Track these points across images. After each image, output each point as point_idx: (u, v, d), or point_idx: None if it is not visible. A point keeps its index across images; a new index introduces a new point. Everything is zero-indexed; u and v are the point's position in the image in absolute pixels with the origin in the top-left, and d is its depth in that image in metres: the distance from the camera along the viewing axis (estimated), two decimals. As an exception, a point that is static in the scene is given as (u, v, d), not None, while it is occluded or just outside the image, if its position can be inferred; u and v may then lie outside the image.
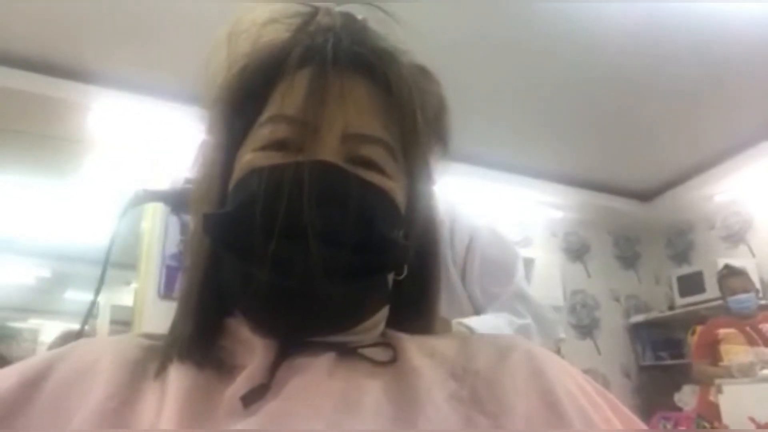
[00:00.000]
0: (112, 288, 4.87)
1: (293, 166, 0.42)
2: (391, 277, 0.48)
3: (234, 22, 0.50)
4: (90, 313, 0.60)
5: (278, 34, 0.49)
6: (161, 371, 0.43)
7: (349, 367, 0.43)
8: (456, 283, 1.20)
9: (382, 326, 0.49)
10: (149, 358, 0.44)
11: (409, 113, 0.49)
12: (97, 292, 0.62)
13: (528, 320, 1.18)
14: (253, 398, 0.39)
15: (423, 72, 1.09)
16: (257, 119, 0.47)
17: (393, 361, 0.44)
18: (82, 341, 0.48)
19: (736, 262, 3.53)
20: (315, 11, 0.50)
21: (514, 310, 1.19)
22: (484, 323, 1.09)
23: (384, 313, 0.49)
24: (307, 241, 0.39)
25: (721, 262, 3.66)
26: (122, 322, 4.76)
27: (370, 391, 0.40)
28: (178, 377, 0.41)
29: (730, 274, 3.29)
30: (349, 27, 0.49)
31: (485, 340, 0.47)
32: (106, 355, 0.44)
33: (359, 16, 0.51)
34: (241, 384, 0.40)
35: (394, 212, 0.46)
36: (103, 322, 4.99)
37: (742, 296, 3.15)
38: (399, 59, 0.50)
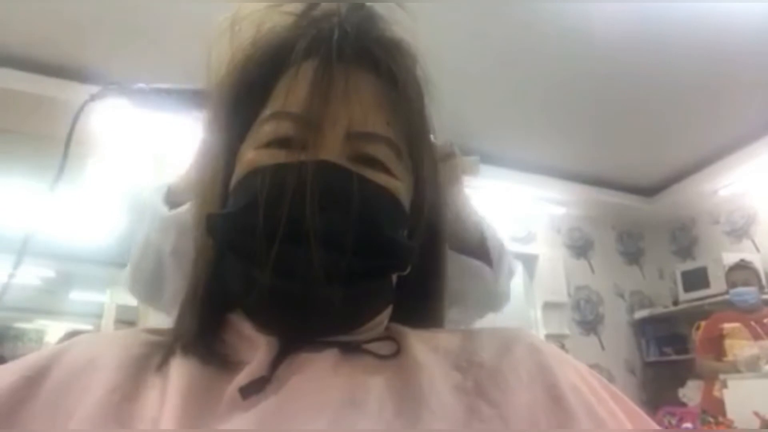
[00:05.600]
0: (117, 287, 4.89)
1: (296, 166, 0.41)
2: (395, 275, 0.48)
3: (235, 11, 0.49)
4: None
5: (280, 21, 0.48)
6: (163, 365, 0.43)
7: (353, 362, 0.43)
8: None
9: (385, 323, 0.49)
10: (152, 353, 0.44)
11: (415, 110, 0.48)
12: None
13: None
14: (251, 390, 0.39)
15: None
16: (259, 114, 0.47)
17: (396, 355, 0.44)
18: (83, 336, 0.47)
19: (739, 256, 3.52)
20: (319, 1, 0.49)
21: None
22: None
23: (388, 311, 0.49)
24: (310, 245, 0.39)
25: (726, 257, 3.65)
26: (127, 321, 4.77)
27: (374, 385, 0.40)
28: (180, 372, 0.41)
29: (736, 266, 3.30)
30: (355, 15, 0.48)
31: (489, 333, 0.46)
32: (108, 350, 0.44)
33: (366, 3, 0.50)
34: (243, 378, 0.40)
35: (399, 212, 0.46)
36: (108, 322, 5.00)
37: (741, 289, 3.15)
38: (407, 51, 0.49)
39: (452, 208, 0.88)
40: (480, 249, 0.91)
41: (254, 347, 0.43)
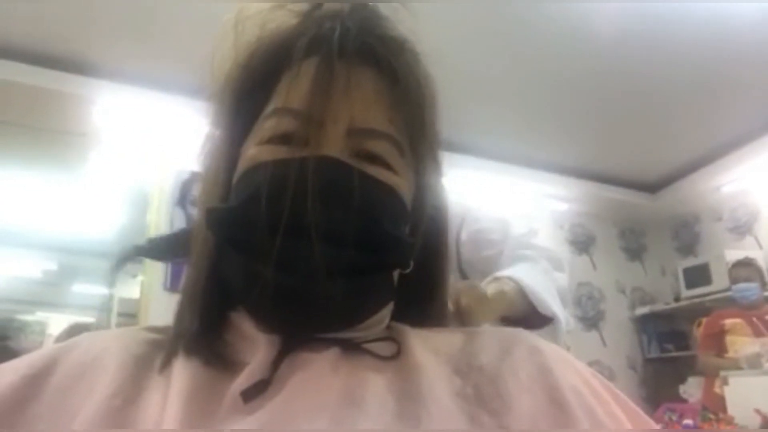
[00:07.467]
0: (118, 280, 4.89)
1: (297, 161, 0.41)
2: (396, 272, 0.47)
3: (239, 9, 0.49)
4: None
5: (285, 20, 0.48)
6: (166, 366, 0.43)
7: (353, 362, 0.43)
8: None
9: (387, 321, 0.49)
10: (154, 353, 0.44)
11: (416, 106, 0.48)
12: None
13: (561, 274, 1.08)
14: (253, 394, 0.39)
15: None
16: (263, 110, 0.47)
17: (397, 356, 0.44)
18: (86, 335, 0.47)
19: (744, 253, 3.52)
20: None
21: (525, 257, 1.07)
22: (524, 274, 0.98)
23: (389, 308, 0.49)
24: (311, 240, 0.38)
25: (729, 254, 3.65)
26: (129, 314, 4.79)
27: (374, 386, 0.40)
28: (182, 373, 0.41)
29: (739, 263, 3.31)
30: (358, 13, 0.48)
31: (490, 335, 0.46)
32: (110, 349, 0.44)
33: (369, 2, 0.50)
34: (243, 380, 0.40)
35: (400, 208, 0.46)
36: (111, 315, 5.01)
37: (743, 285, 3.15)
38: (408, 48, 0.49)
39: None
40: (534, 316, 0.97)
41: (255, 347, 0.43)
